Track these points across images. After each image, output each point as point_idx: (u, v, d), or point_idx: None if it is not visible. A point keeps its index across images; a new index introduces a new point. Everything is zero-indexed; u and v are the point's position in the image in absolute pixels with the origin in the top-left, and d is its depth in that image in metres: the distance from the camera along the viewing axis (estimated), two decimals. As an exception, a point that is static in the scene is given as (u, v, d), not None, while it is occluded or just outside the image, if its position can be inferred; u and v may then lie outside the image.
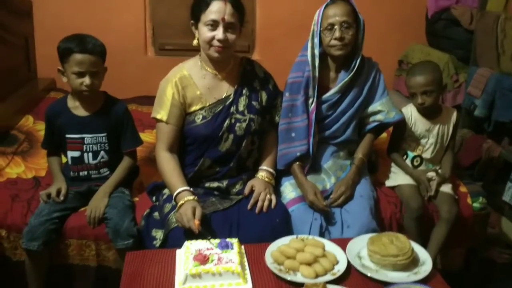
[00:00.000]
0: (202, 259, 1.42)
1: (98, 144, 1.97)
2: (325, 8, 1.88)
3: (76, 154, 1.97)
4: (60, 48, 1.88)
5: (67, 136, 1.96)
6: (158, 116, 1.87)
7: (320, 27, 1.89)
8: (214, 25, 1.77)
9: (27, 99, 2.80)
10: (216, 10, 1.75)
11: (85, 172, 1.99)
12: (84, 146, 1.96)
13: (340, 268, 1.48)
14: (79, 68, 1.85)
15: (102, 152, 1.98)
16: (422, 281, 1.44)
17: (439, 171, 2.12)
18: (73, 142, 1.96)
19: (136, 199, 2.03)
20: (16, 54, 2.93)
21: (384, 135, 2.31)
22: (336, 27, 1.85)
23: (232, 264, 1.41)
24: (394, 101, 2.09)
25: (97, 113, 1.98)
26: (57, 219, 1.84)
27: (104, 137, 1.97)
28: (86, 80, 1.87)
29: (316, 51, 1.91)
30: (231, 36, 1.79)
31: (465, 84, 3.14)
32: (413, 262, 1.51)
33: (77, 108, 1.97)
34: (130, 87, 3.02)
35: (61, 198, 1.89)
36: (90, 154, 1.97)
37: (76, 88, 1.91)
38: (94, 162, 1.98)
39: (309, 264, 1.46)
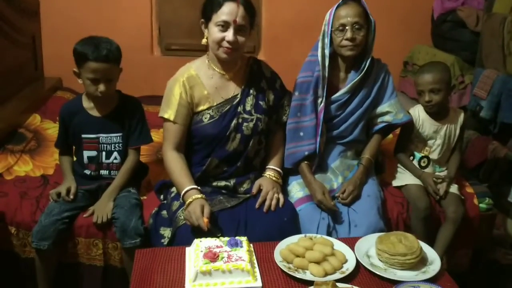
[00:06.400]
0: (212, 256, 1.43)
1: (113, 144, 1.98)
2: (336, 8, 1.88)
3: (92, 153, 1.99)
4: (75, 51, 1.86)
5: (84, 136, 1.97)
6: (166, 116, 1.87)
7: (331, 28, 1.89)
8: (225, 26, 1.76)
9: (34, 98, 2.81)
10: (228, 11, 1.75)
11: (99, 172, 2.00)
12: (100, 145, 1.98)
13: (349, 266, 1.48)
14: (94, 75, 1.85)
15: (115, 153, 1.99)
16: (431, 280, 1.44)
17: (445, 173, 2.12)
18: (89, 142, 1.98)
19: (144, 197, 2.04)
20: (23, 52, 2.94)
21: (390, 135, 2.31)
22: (347, 27, 1.85)
23: (242, 262, 1.42)
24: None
25: (113, 113, 1.99)
26: (67, 219, 1.85)
27: (118, 137, 1.99)
28: (101, 87, 1.87)
29: (327, 51, 1.92)
30: (241, 39, 1.79)
31: (470, 85, 3.15)
32: (421, 262, 1.51)
33: (92, 109, 1.98)
34: (136, 87, 3.00)
35: (71, 197, 1.89)
36: (104, 154, 1.99)
37: (91, 93, 1.92)
38: (107, 162, 2.00)
39: (318, 262, 1.47)
